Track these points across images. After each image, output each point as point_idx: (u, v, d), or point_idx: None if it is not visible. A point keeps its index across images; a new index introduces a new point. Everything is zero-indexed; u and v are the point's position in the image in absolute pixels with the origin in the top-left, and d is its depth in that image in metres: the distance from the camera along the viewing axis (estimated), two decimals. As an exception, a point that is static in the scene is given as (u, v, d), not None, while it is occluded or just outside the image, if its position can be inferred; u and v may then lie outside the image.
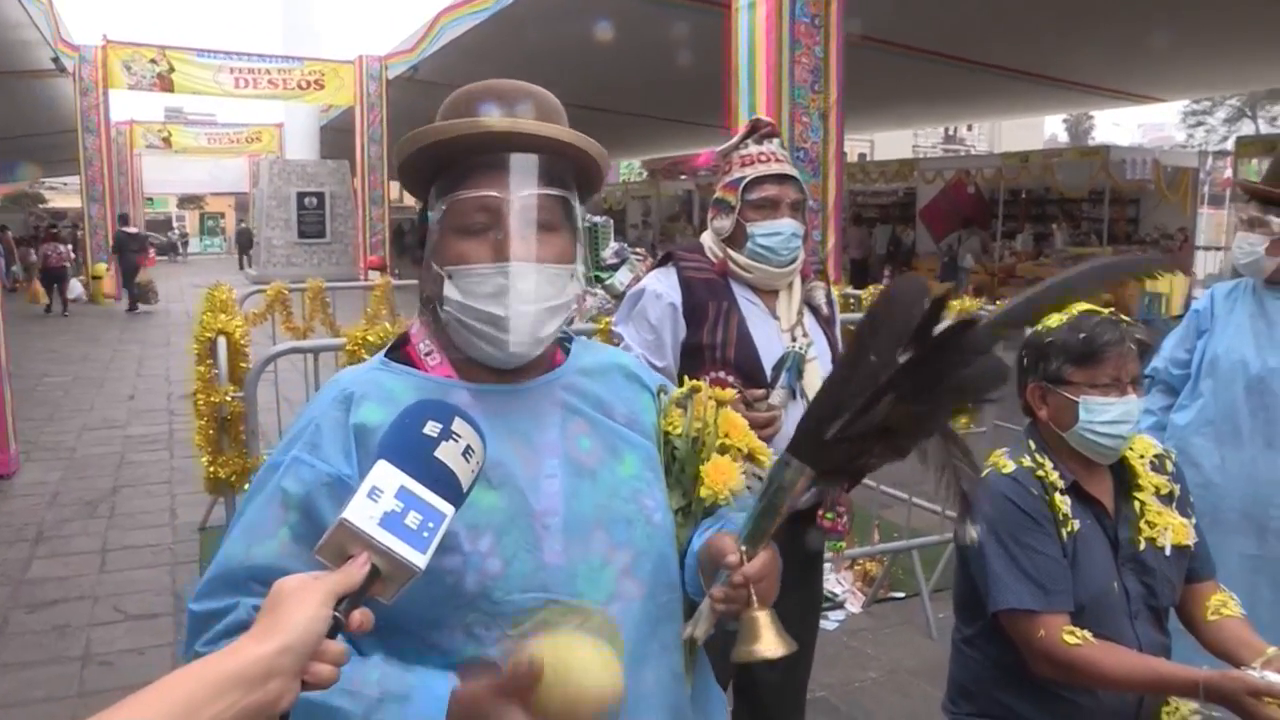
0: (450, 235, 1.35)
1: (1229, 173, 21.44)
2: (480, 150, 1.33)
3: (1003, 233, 21.70)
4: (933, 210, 22.93)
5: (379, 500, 1.03)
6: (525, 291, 1.31)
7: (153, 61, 22.87)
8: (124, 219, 22.56)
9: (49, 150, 31.54)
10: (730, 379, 2.57)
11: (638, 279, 2.95)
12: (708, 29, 10.11)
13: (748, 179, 2.70)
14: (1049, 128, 61.90)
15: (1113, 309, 2.22)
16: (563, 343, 1.51)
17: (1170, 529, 2.16)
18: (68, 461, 8.14)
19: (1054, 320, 2.20)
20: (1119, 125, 62.63)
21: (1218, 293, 3.32)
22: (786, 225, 2.68)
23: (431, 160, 1.36)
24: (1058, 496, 2.12)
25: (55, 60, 21.34)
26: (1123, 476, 2.22)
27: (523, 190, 1.32)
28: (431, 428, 1.10)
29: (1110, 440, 2.12)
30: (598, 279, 8.91)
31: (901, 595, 5.13)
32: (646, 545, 1.37)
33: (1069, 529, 2.10)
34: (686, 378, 1.60)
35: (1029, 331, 2.31)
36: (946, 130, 59.11)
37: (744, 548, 1.28)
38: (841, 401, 1.22)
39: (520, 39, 16.96)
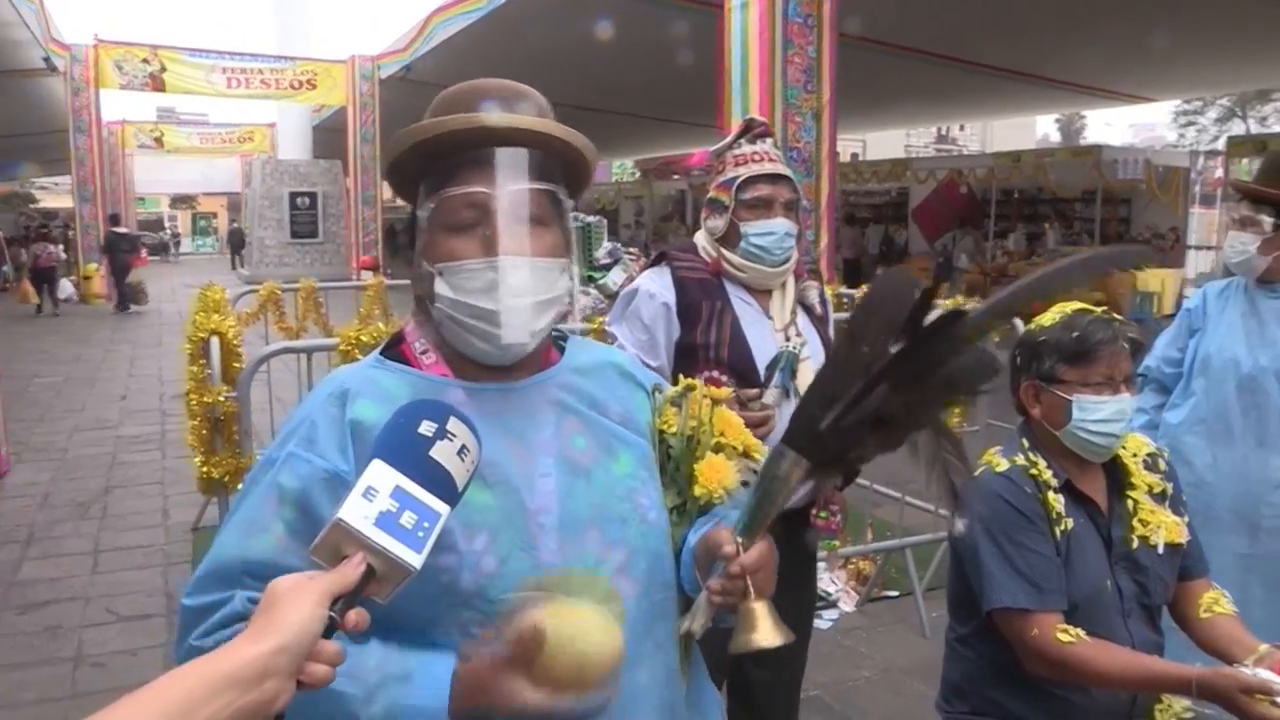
0: (440, 232, 1.35)
1: (1220, 172, 21.50)
2: (468, 147, 1.33)
3: (995, 232, 21.75)
4: (925, 210, 22.97)
5: (374, 500, 1.03)
6: (516, 285, 1.31)
7: (144, 61, 22.83)
8: (115, 219, 22.49)
9: (40, 150, 31.47)
10: (724, 379, 2.57)
11: (631, 279, 2.95)
12: (701, 29, 10.13)
13: (741, 178, 2.70)
14: (1041, 127, 62.00)
15: (1105, 308, 2.23)
16: (557, 341, 1.51)
17: (1163, 527, 2.17)
18: (59, 462, 8.12)
19: (1047, 319, 2.21)
20: (1110, 125, 62.78)
21: (1210, 292, 3.33)
22: (780, 225, 2.68)
23: (420, 159, 1.36)
24: (1051, 495, 2.13)
25: (46, 60, 21.30)
26: (1116, 475, 2.23)
27: (511, 185, 1.32)
28: (426, 427, 1.10)
29: (1103, 439, 2.12)
30: (591, 279, 8.91)
31: (895, 594, 5.13)
32: (641, 544, 1.37)
33: (1062, 527, 2.11)
34: (681, 376, 1.60)
35: (1022, 330, 2.32)
36: (939, 130, 59.19)
37: (740, 539, 1.28)
38: (835, 392, 1.24)
39: (513, 39, 16.96)
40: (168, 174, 46.23)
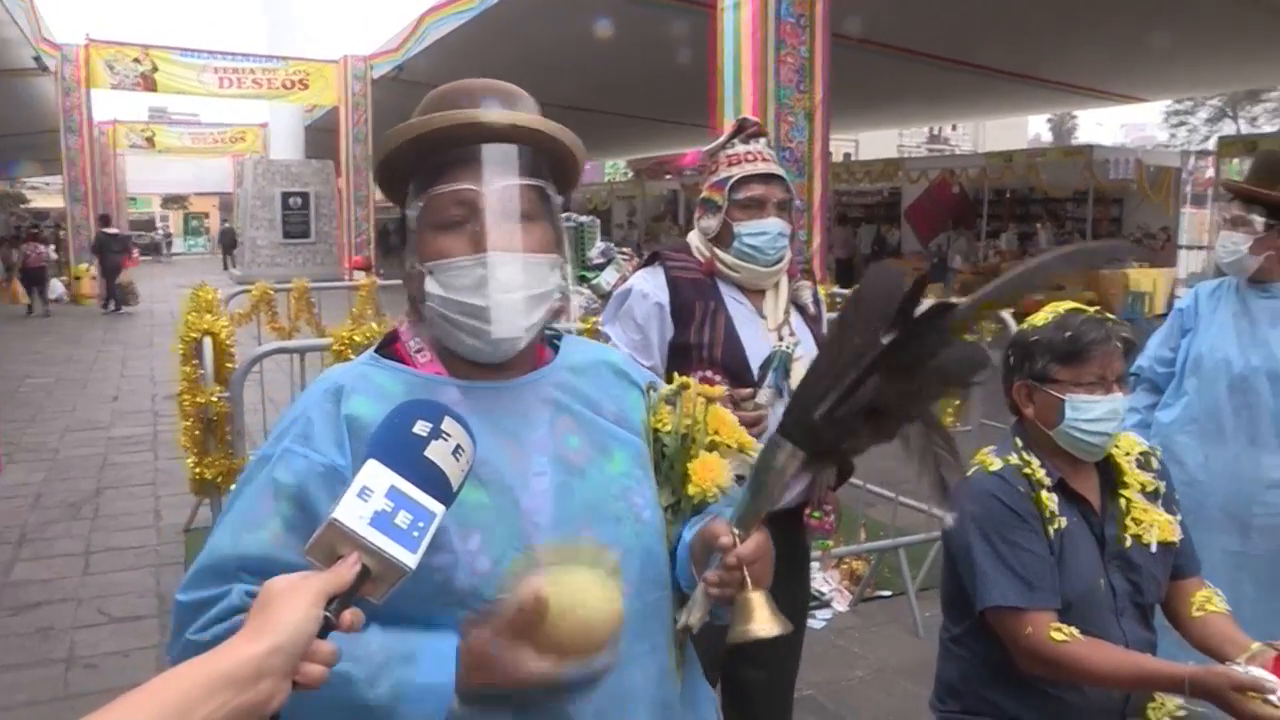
0: (429, 231, 1.35)
1: (1211, 172, 21.57)
2: (455, 145, 1.33)
3: (987, 232, 21.81)
4: (918, 210, 23.02)
5: (369, 500, 1.03)
6: (505, 280, 1.31)
7: (136, 61, 22.77)
8: (105, 220, 22.41)
9: (30, 150, 31.38)
10: (717, 378, 2.57)
11: (624, 279, 2.95)
12: (693, 29, 10.13)
13: (734, 178, 2.70)
14: (1033, 127, 62.21)
15: (1098, 308, 2.24)
16: (551, 340, 1.51)
17: (1156, 526, 2.18)
18: (50, 463, 8.09)
19: (1040, 319, 2.22)
20: (1102, 125, 62.94)
21: (1202, 292, 3.34)
22: (773, 225, 2.68)
23: (408, 158, 1.36)
24: (1044, 494, 2.13)
25: (36, 59, 21.24)
26: (1109, 474, 2.24)
27: (498, 181, 1.32)
28: (421, 427, 1.10)
29: (1096, 438, 2.13)
30: (584, 278, 8.90)
31: (888, 594, 5.14)
32: (635, 543, 1.37)
33: (1055, 526, 2.11)
34: (676, 374, 1.60)
35: (1015, 330, 2.33)
36: (931, 130, 59.29)
37: (737, 531, 1.29)
38: (828, 383, 1.26)
39: (505, 39, 16.95)
40: (159, 174, 46.12)
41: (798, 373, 2.63)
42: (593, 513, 1.35)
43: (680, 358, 2.63)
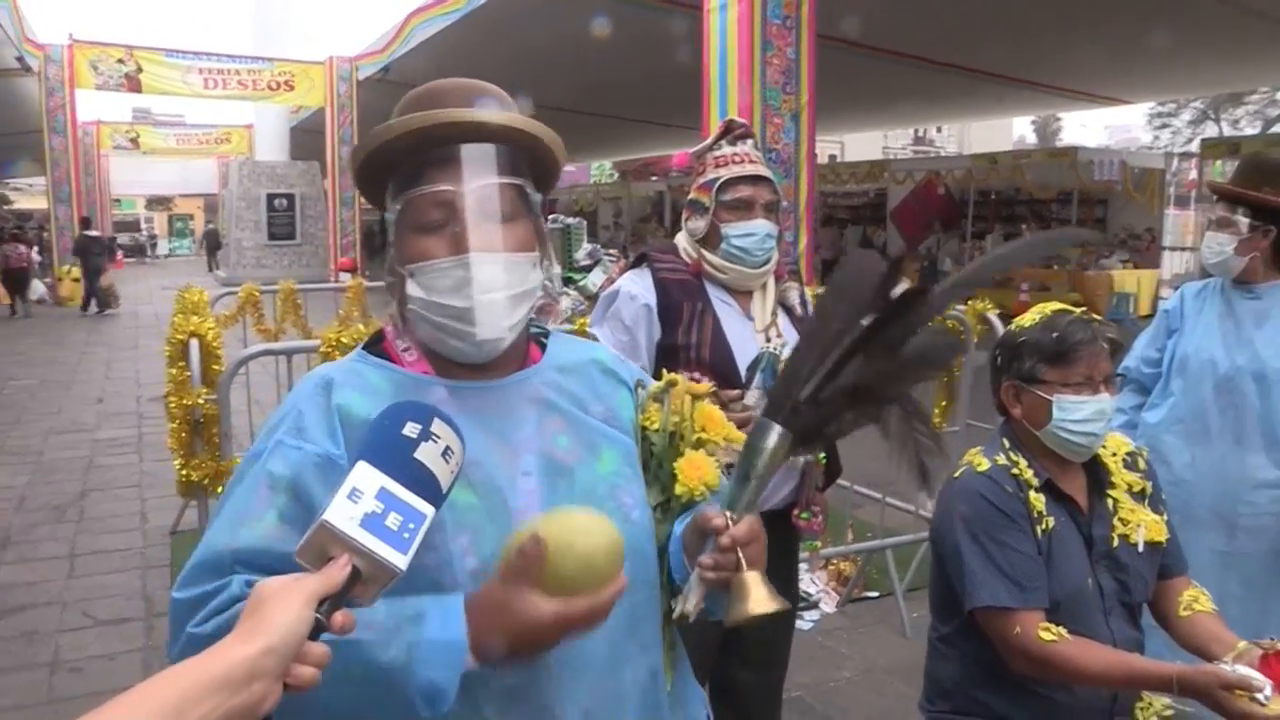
0: (409, 234, 1.34)
1: (1194, 174, 21.71)
2: (432, 145, 1.33)
3: (973, 233, 21.87)
4: (904, 211, 23.08)
5: (359, 502, 1.03)
6: (486, 281, 1.30)
7: (120, 61, 22.67)
8: (86, 222, 22.28)
9: (13, 151, 31.18)
10: (705, 380, 2.57)
11: (611, 280, 2.95)
12: (681, 30, 10.14)
13: (722, 180, 2.71)
14: (1017, 129, 62.38)
15: (1084, 309, 2.25)
16: (539, 338, 1.51)
17: (1143, 526, 2.19)
18: (35, 465, 8.05)
19: (1027, 320, 2.23)
20: (1086, 126, 63.27)
21: (1187, 292, 3.35)
22: (761, 226, 2.69)
23: (386, 161, 1.36)
24: (1033, 494, 2.14)
25: (20, 59, 21.12)
26: (1096, 474, 2.25)
27: (476, 181, 1.32)
28: (411, 429, 1.10)
29: (1083, 438, 2.14)
30: (571, 280, 8.89)
31: (876, 595, 5.15)
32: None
33: (1044, 526, 2.12)
34: (665, 372, 1.60)
35: (1002, 331, 2.33)
36: (916, 132, 59.44)
37: (729, 514, 1.29)
38: (811, 366, 1.30)
39: (492, 40, 16.93)
40: (144, 175, 45.89)
41: (786, 374, 2.63)
42: None
43: (668, 359, 2.63)
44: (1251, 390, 3.07)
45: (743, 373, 2.64)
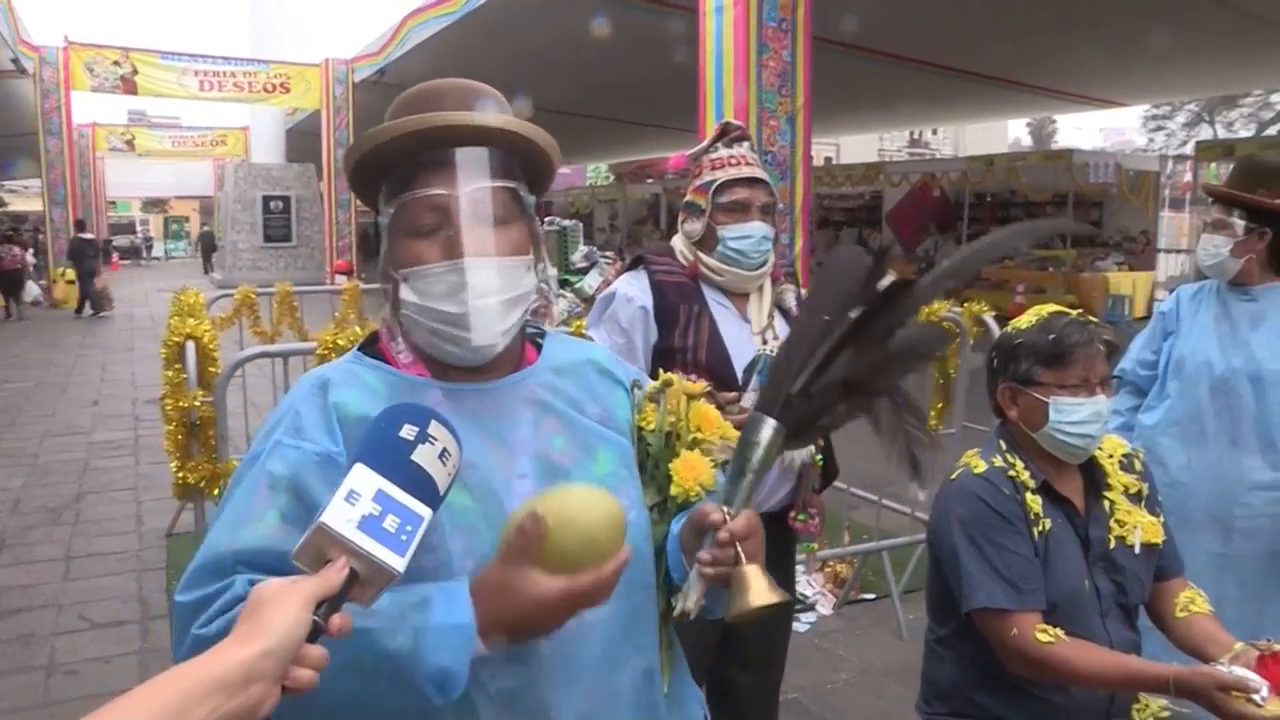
0: (402, 238, 1.34)
1: (1189, 176, 21.74)
2: (426, 148, 1.32)
3: (968, 235, 21.86)
4: (899, 213, 23.09)
5: (357, 504, 1.03)
6: (480, 286, 1.30)
7: (116, 63, 22.67)
8: (81, 225, 22.27)
9: (9, 153, 31.14)
10: (702, 382, 2.57)
11: (608, 282, 2.95)
12: (677, 33, 10.14)
13: (718, 182, 2.71)
14: (1012, 131, 62.47)
15: (1080, 311, 2.26)
16: (534, 339, 1.51)
17: (1140, 527, 2.19)
18: (30, 468, 8.03)
19: (1023, 322, 2.23)
20: (1081, 129, 63.53)
21: (1183, 294, 3.36)
22: (757, 228, 2.69)
23: (379, 164, 1.36)
24: (1029, 496, 2.14)
25: (15, 61, 21.10)
26: (1093, 476, 2.25)
27: (470, 185, 1.31)
28: (408, 431, 1.10)
29: (1080, 440, 2.14)
30: (567, 282, 8.91)
31: (872, 597, 5.15)
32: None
33: (1040, 528, 2.12)
34: (661, 371, 1.60)
35: (999, 333, 2.34)
36: (911, 134, 59.55)
37: (727, 509, 1.29)
38: (802, 360, 1.31)
39: (488, 43, 16.94)
40: (140, 177, 45.88)
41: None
42: None
43: (665, 362, 2.63)
44: (1247, 392, 3.07)
45: (739, 375, 2.64)
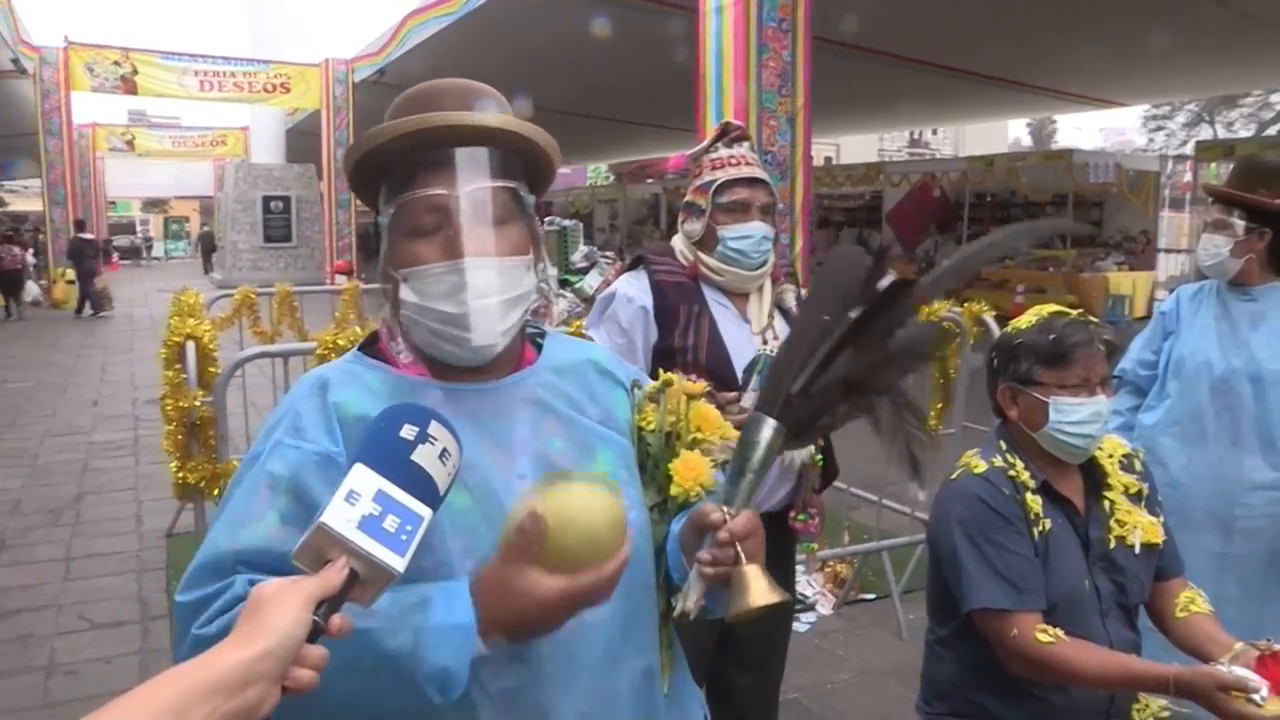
0: (402, 238, 1.34)
1: (1189, 176, 21.73)
2: (423, 149, 1.32)
3: (968, 236, 21.85)
4: (899, 214, 23.08)
5: (357, 504, 1.03)
6: (481, 286, 1.30)
7: (116, 64, 22.67)
8: (80, 225, 22.26)
9: (10, 153, 31.15)
10: (702, 382, 2.57)
11: (608, 282, 2.95)
12: (676, 33, 10.14)
13: (718, 182, 2.71)
14: (1012, 131, 62.47)
15: (1080, 311, 2.26)
16: (534, 338, 1.51)
17: (1140, 528, 2.19)
18: (30, 468, 8.03)
19: (1023, 322, 2.23)
20: (1081, 129, 63.57)
21: (1183, 295, 3.36)
22: (757, 228, 2.69)
23: (379, 164, 1.35)
24: (1029, 496, 2.14)
25: (15, 62, 21.10)
26: (1093, 476, 2.25)
27: (470, 185, 1.31)
28: (408, 431, 1.10)
29: (1080, 440, 2.14)
30: (567, 282, 8.91)
31: (872, 597, 5.15)
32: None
33: (1040, 528, 2.12)
34: (661, 371, 1.60)
35: (999, 333, 2.34)
36: (911, 134, 59.54)
37: (726, 509, 1.29)
38: (801, 359, 1.32)
39: (488, 43, 16.94)
40: (140, 177, 45.86)
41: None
42: None
43: (665, 362, 2.62)
44: (1247, 392, 3.07)
45: (739, 375, 2.64)
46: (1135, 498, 2.24)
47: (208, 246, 35.98)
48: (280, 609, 0.94)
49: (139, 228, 53.31)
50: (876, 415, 1.39)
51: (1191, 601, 2.21)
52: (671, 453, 1.48)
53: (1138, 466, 2.30)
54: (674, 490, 1.45)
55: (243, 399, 5.77)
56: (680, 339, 2.67)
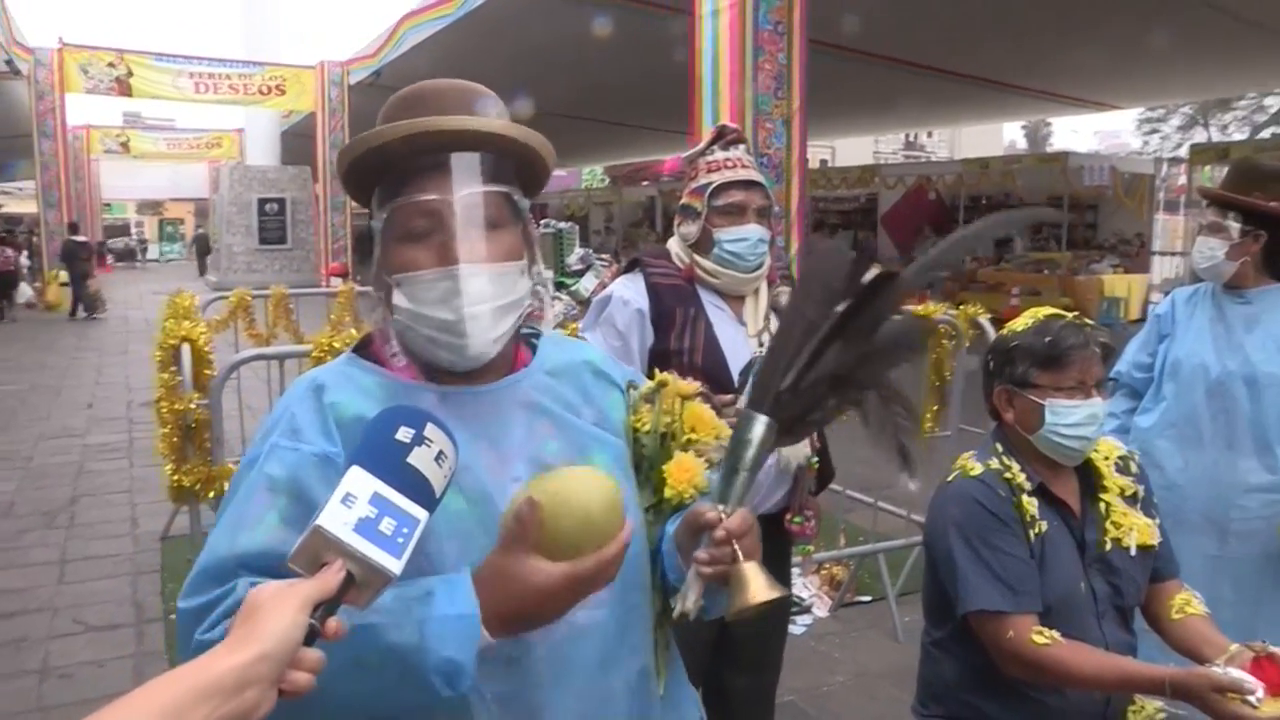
0: (395, 242, 1.33)
1: (1183, 179, 21.77)
2: (417, 153, 1.31)
3: (964, 238, 21.85)
4: (895, 216, 23.10)
5: (353, 506, 1.02)
6: (474, 293, 1.29)
7: (110, 65, 22.62)
8: (74, 227, 22.20)
9: (4, 155, 31.09)
10: (696, 383, 2.57)
11: (603, 285, 2.95)
12: (672, 36, 10.13)
13: (714, 185, 2.71)
14: (1008, 134, 62.46)
15: (1076, 313, 2.26)
16: (529, 339, 1.50)
17: (1135, 530, 2.19)
18: (24, 471, 8.01)
19: (1019, 325, 2.24)
20: (1076, 132, 63.73)
21: (1178, 297, 3.37)
22: (753, 231, 2.69)
23: (372, 166, 1.35)
24: (1025, 498, 2.14)
25: (9, 63, 21.06)
26: (1088, 478, 2.25)
27: (463, 190, 1.30)
28: (404, 433, 1.09)
29: (1076, 442, 2.14)
30: (563, 285, 8.90)
31: (868, 599, 5.15)
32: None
33: (1036, 530, 2.12)
34: (657, 371, 1.60)
35: (994, 336, 2.34)
36: (907, 137, 59.57)
37: (722, 507, 1.29)
38: (790, 356, 1.32)
39: (483, 45, 16.91)
40: (134, 179, 45.70)
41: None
42: None
43: (661, 364, 2.61)
44: (1243, 395, 3.08)
45: (735, 378, 2.65)
46: (1131, 500, 2.24)
47: (203, 249, 35.90)
48: (276, 612, 0.93)
49: (134, 230, 53.17)
50: (865, 408, 1.40)
51: (1187, 603, 2.22)
52: (666, 454, 1.48)
53: (1133, 469, 2.30)
54: (668, 492, 1.45)
55: (238, 401, 5.75)
56: (676, 342, 2.67)
